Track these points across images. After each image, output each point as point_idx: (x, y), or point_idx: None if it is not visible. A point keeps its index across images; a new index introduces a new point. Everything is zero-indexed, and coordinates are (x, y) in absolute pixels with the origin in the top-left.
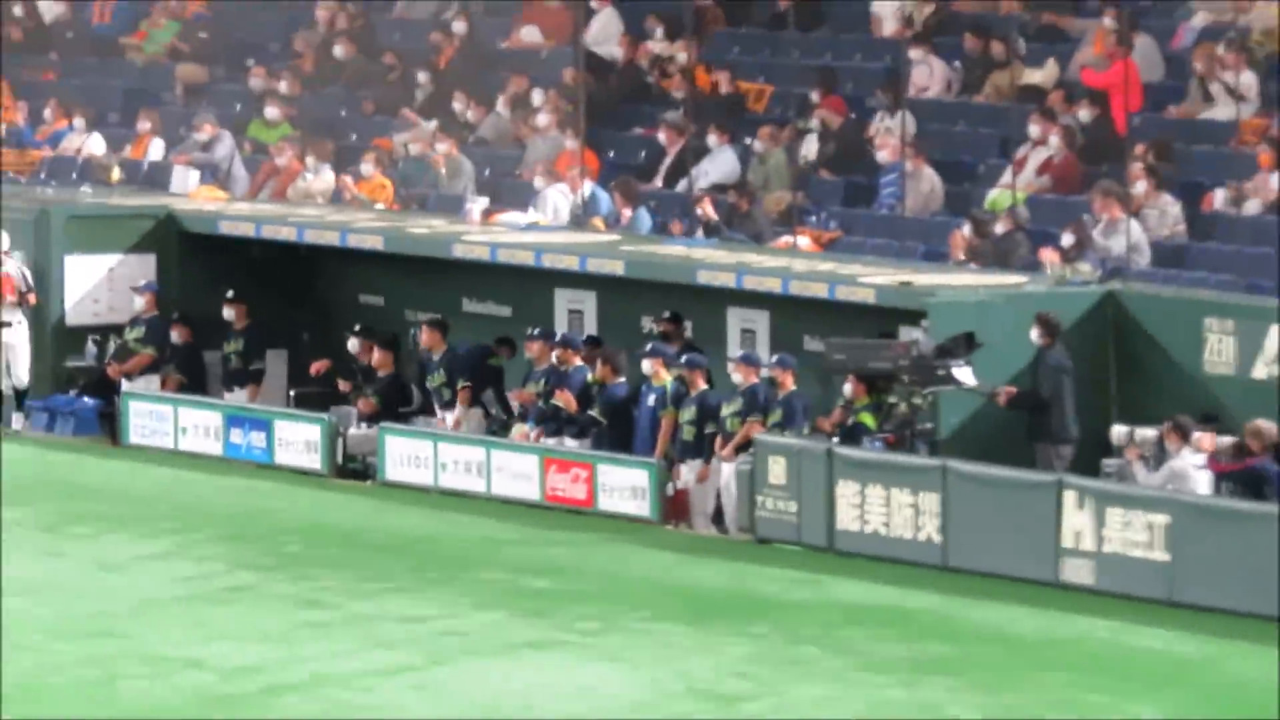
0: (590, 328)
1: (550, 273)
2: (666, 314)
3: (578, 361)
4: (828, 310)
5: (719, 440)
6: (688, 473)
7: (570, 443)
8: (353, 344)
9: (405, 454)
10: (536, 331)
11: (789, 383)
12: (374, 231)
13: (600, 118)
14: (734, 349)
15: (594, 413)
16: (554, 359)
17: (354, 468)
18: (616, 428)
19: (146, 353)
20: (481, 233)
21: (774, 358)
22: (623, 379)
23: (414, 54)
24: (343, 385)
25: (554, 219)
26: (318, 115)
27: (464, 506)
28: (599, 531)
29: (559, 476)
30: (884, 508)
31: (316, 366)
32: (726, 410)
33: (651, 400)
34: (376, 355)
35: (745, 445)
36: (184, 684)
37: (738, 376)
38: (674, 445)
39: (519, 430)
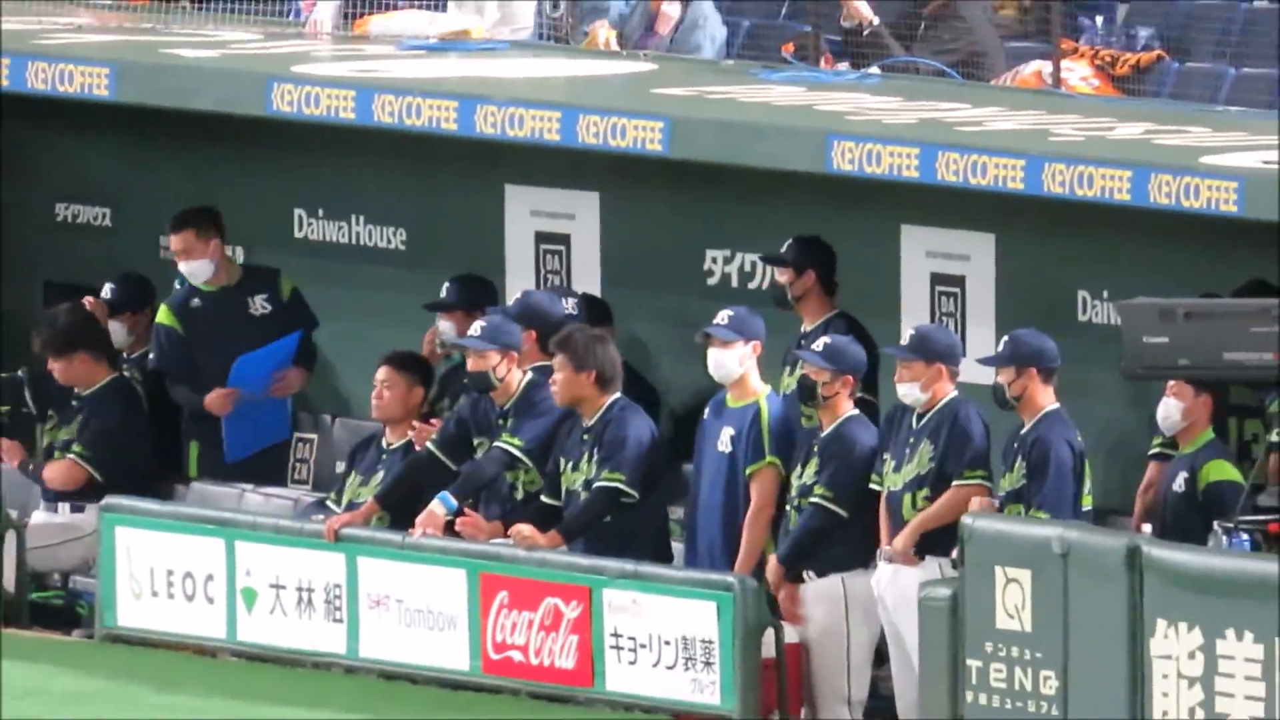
0: (586, 281)
1: (495, 150)
2: (786, 247)
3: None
4: (1131, 232)
5: (884, 529)
6: (808, 603)
7: (536, 537)
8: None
9: (159, 567)
10: (450, 289)
11: (1039, 398)
12: (91, 59)
13: None
14: (911, 320)
15: (604, 484)
16: (491, 350)
17: (43, 600)
18: (634, 510)
19: None
20: (336, 55)
21: (1002, 341)
22: (615, 395)
23: None
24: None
25: (504, 28)
26: None
27: (297, 690)
28: None
29: (515, 618)
30: (1258, 683)
31: None
32: (900, 464)
33: (725, 440)
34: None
35: (941, 538)
36: None
37: (912, 387)
38: (780, 542)
39: (433, 512)
